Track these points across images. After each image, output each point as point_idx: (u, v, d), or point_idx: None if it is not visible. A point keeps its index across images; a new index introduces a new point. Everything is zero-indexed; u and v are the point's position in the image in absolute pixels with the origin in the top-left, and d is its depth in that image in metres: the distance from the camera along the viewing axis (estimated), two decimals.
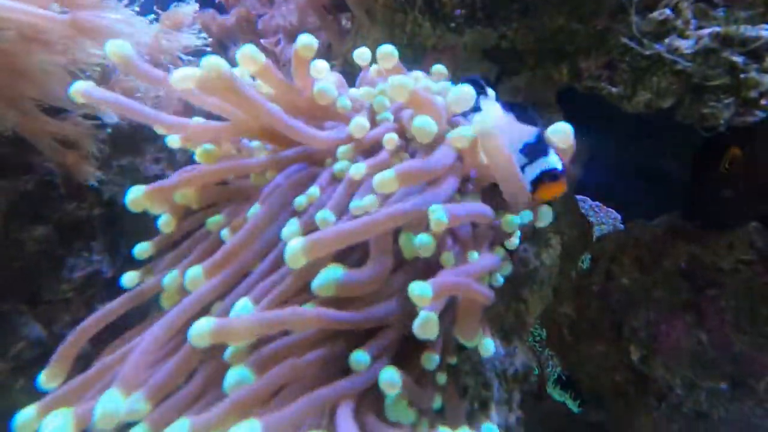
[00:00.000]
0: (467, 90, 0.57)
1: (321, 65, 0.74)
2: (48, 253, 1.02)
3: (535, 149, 0.57)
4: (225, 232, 0.65)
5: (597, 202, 2.35)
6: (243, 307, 0.54)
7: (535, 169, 0.57)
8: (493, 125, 0.53)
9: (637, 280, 1.18)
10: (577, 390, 1.65)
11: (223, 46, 1.71)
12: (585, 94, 0.89)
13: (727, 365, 0.95)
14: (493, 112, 0.63)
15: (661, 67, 0.78)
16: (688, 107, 0.77)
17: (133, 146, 1.22)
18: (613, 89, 0.82)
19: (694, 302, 1.04)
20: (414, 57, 0.99)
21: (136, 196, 0.64)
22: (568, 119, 1.14)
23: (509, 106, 0.63)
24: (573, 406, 1.67)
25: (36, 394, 0.98)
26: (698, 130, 0.77)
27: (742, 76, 0.72)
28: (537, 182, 0.57)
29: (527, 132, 0.58)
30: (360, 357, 0.51)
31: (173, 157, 1.27)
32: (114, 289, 1.16)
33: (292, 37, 1.37)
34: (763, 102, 0.71)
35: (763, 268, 0.99)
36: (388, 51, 0.68)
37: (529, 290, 0.84)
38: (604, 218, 2.37)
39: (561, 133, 0.58)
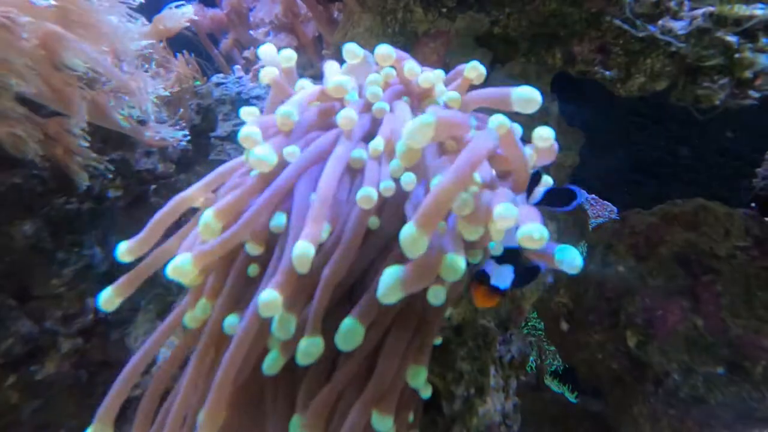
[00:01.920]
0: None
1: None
2: (38, 248, 1.01)
3: (506, 259, 0.56)
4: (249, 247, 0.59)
5: (593, 195, 2.35)
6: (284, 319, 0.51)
7: (488, 272, 0.56)
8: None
9: (633, 268, 1.18)
10: (575, 382, 1.65)
11: (213, 38, 1.69)
12: (579, 79, 0.88)
13: (724, 349, 0.94)
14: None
15: (654, 49, 0.77)
16: (682, 89, 0.77)
17: (123, 140, 1.20)
18: (607, 73, 0.81)
19: (691, 288, 1.03)
20: (406, 44, 0.97)
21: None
22: (563, 106, 1.14)
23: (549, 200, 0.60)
24: (571, 397, 1.67)
25: (26, 390, 0.97)
26: (693, 112, 0.77)
27: (736, 56, 0.71)
28: (478, 281, 0.56)
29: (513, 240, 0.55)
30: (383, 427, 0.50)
31: (165, 150, 1.26)
32: (106, 283, 1.15)
33: (280, 28, 1.35)
34: (758, 82, 0.70)
35: (758, 252, 0.99)
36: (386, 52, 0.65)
37: None
38: (600, 211, 2.38)
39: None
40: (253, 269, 0.57)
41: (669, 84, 0.78)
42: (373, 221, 0.55)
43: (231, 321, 0.54)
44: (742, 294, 0.97)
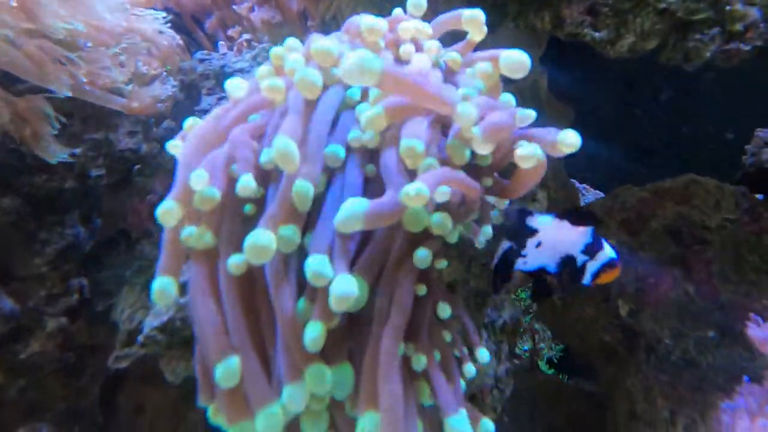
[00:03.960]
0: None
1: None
2: (19, 227, 0.98)
3: (593, 246, 0.64)
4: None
5: (584, 185, 2.37)
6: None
7: (597, 263, 0.65)
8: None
9: (625, 242, 1.18)
10: (569, 368, 1.66)
11: (197, 20, 1.66)
12: (570, 43, 0.87)
13: (715, 314, 0.94)
14: (548, 228, 0.65)
15: (644, 7, 0.76)
16: (672, 48, 0.76)
17: (105, 120, 1.18)
18: (596, 34, 0.80)
19: (682, 257, 1.03)
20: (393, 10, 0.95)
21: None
22: (552, 77, 1.13)
23: (561, 213, 0.66)
24: (565, 379, 1.68)
25: (11, 370, 0.95)
26: (683, 67, 0.76)
27: (727, 8, 0.70)
28: (598, 273, 0.65)
29: (582, 232, 0.64)
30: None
31: (149, 130, 1.23)
32: (90, 264, 1.13)
33: (263, 2, 1.33)
34: (749, 35, 0.70)
35: (749, 218, 0.99)
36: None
37: None
38: (592, 199, 2.39)
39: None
40: (250, 209, 0.54)
41: (659, 43, 0.77)
42: (370, 168, 0.54)
43: (236, 260, 0.49)
44: (733, 259, 0.97)
